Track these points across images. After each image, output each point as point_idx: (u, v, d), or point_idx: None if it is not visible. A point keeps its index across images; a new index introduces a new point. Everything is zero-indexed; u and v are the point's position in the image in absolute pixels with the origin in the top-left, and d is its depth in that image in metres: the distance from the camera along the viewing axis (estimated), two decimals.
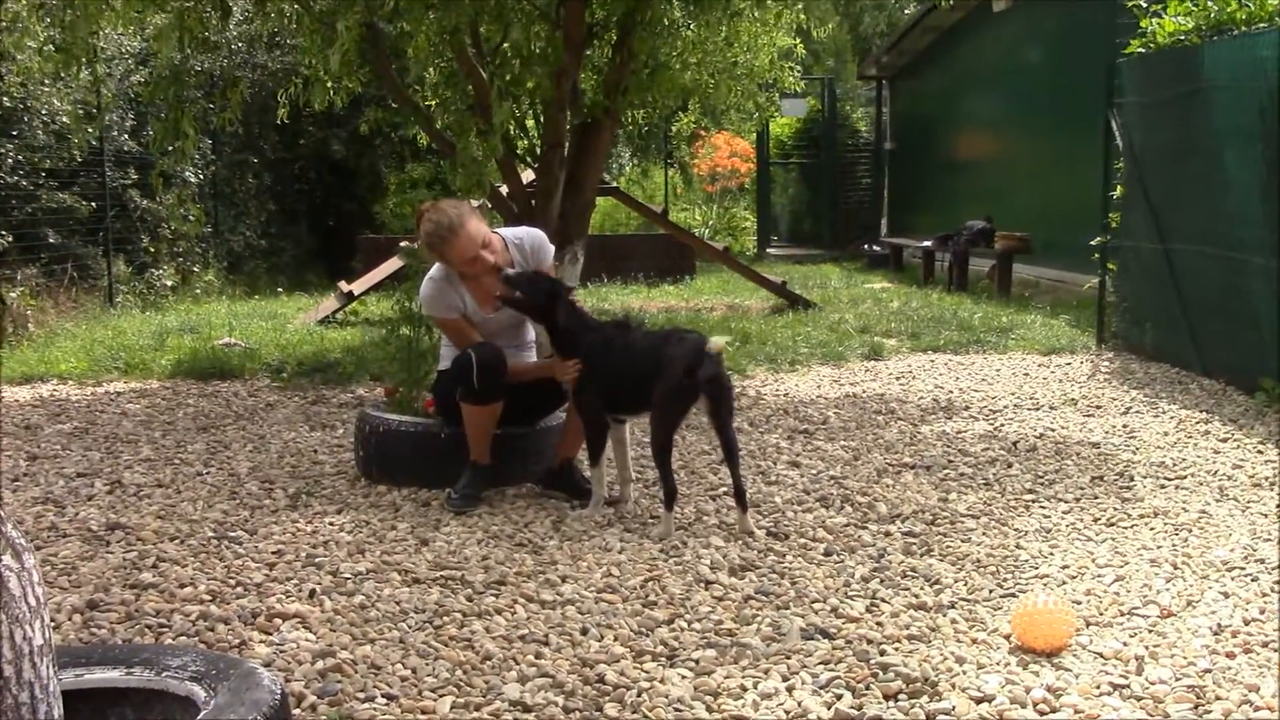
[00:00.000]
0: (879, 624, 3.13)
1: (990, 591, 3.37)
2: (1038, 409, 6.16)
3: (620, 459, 4.34)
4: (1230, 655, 2.88)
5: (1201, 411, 5.97)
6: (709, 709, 2.65)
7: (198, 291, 12.44)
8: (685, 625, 3.13)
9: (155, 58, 8.92)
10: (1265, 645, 2.94)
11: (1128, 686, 2.72)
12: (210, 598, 3.31)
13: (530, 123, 8.65)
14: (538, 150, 8.27)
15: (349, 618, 3.17)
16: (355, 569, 3.56)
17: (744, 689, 2.74)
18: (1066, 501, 4.33)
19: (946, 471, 4.81)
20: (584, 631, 3.08)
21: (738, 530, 3.97)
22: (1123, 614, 3.18)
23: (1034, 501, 4.34)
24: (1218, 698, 2.67)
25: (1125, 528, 4.00)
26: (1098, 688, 2.72)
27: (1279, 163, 5.87)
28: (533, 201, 7.91)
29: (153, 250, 11.98)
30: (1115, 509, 4.22)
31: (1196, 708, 2.63)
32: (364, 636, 3.05)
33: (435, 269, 4.45)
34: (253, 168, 14.31)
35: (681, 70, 8.37)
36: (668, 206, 15.36)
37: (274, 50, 13.34)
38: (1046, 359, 7.86)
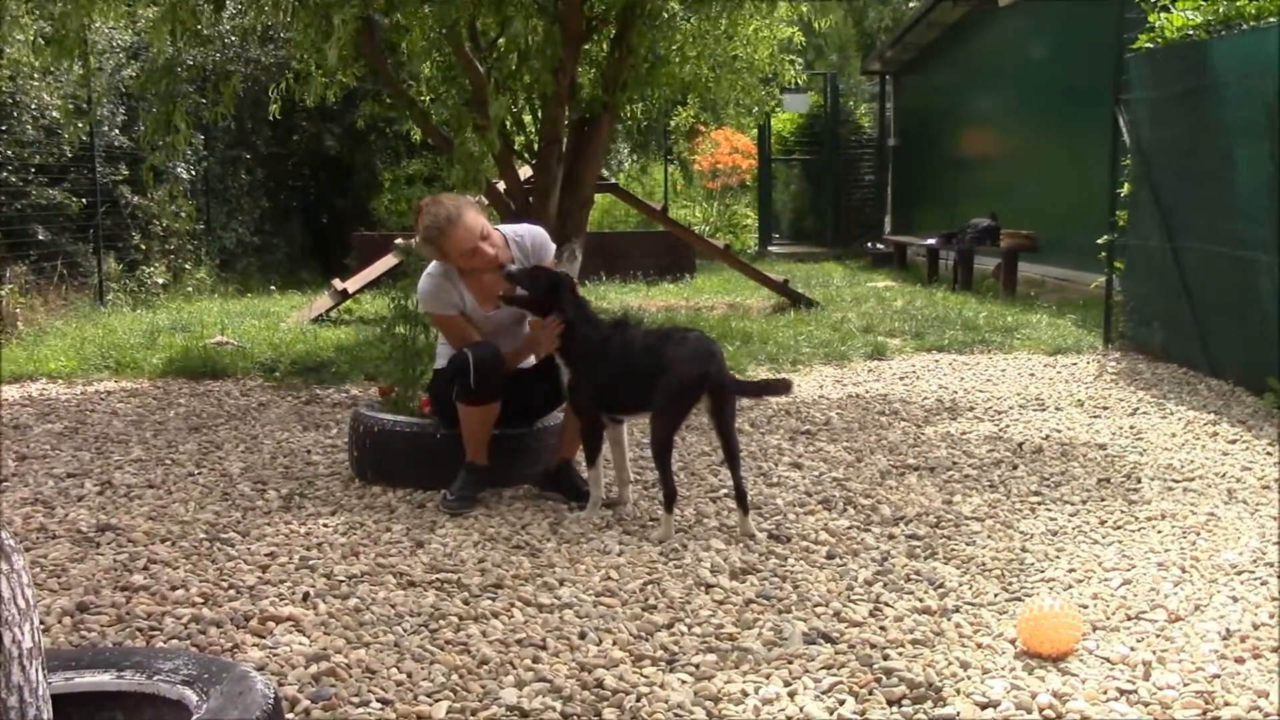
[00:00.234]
0: (882, 628, 3.13)
1: (995, 595, 3.38)
2: (1043, 410, 6.16)
3: (618, 460, 4.34)
4: (1239, 660, 2.88)
5: (1210, 412, 5.97)
6: (709, 714, 2.66)
7: (189, 289, 12.44)
8: (685, 629, 3.13)
9: (147, 51, 8.92)
10: (1275, 650, 2.94)
11: (1135, 692, 2.72)
12: (202, 600, 3.31)
13: (528, 118, 8.65)
14: (535, 146, 8.28)
15: (343, 621, 3.17)
16: (349, 571, 3.56)
17: (745, 694, 2.74)
18: (1073, 504, 4.33)
19: (951, 473, 4.81)
20: (582, 635, 3.08)
21: (739, 533, 3.97)
22: (1130, 618, 3.18)
23: (1040, 504, 4.34)
24: (1226, 703, 2.67)
25: (1132, 530, 4.00)
26: (1104, 693, 2.72)
27: None
28: (530, 198, 7.91)
29: (144, 247, 11.98)
30: (1122, 511, 4.22)
31: (1205, 713, 2.63)
32: (358, 640, 3.05)
33: (433, 265, 4.44)
34: (245, 163, 14.31)
35: (681, 64, 8.37)
36: (667, 203, 15.35)
37: (267, 44, 13.33)
38: (1052, 359, 7.86)
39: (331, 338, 8.75)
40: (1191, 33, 7.18)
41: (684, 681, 2.81)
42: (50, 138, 10.36)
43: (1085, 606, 3.25)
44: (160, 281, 12.07)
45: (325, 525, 4.09)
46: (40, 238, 10.44)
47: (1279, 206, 5.97)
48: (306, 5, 7.00)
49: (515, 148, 8.32)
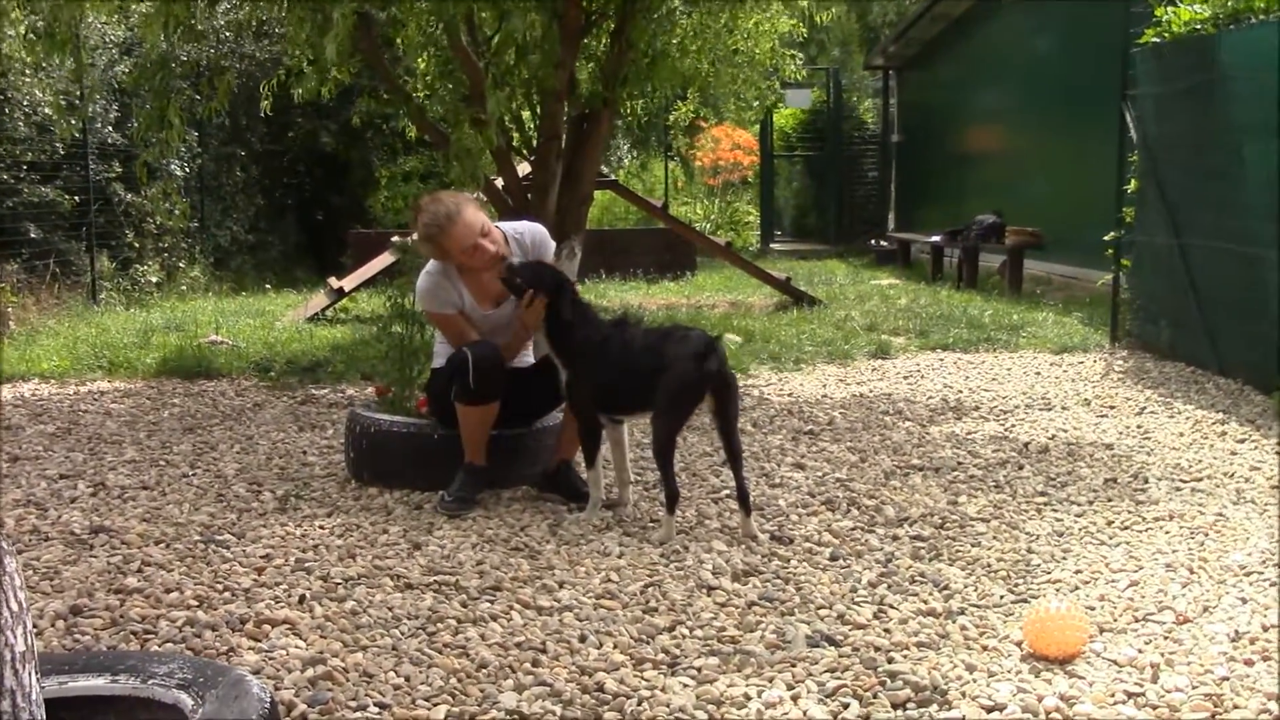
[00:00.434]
0: (886, 631, 3.13)
1: (1001, 597, 3.38)
2: (1050, 409, 6.16)
3: (618, 461, 4.34)
4: (1249, 662, 2.89)
5: (1218, 412, 5.97)
6: (711, 719, 2.66)
7: (183, 288, 12.44)
8: (687, 632, 3.13)
9: (140, 46, 8.93)
10: None
11: (1143, 695, 2.73)
12: (197, 603, 3.32)
13: (526, 114, 8.65)
14: (534, 142, 8.27)
15: (340, 624, 3.17)
16: (346, 574, 3.56)
17: (747, 698, 2.74)
18: (1079, 504, 4.33)
19: (956, 474, 4.81)
20: (582, 639, 3.08)
21: (741, 534, 3.97)
22: (1137, 620, 3.18)
23: (1046, 504, 4.34)
24: (1235, 706, 2.67)
25: (1140, 531, 4.00)
26: (1112, 696, 2.72)
27: None
28: (529, 195, 7.91)
29: (137, 245, 11.98)
30: (1129, 512, 4.22)
31: (1213, 716, 2.63)
32: (355, 643, 3.05)
33: (431, 263, 4.44)
34: (240, 160, 14.31)
35: (681, 58, 8.37)
36: (668, 200, 15.36)
37: (262, 39, 13.34)
38: (1059, 358, 7.86)
39: (327, 337, 8.75)
40: (1199, 27, 7.18)
41: (686, 685, 2.81)
42: (42, 134, 10.36)
43: (1092, 608, 3.26)
44: (154, 280, 12.07)
45: (321, 527, 4.09)
46: (32, 236, 10.44)
47: None
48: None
49: (514, 144, 8.32)
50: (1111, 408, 6.18)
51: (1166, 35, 7.50)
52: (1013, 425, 5.77)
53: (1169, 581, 3.47)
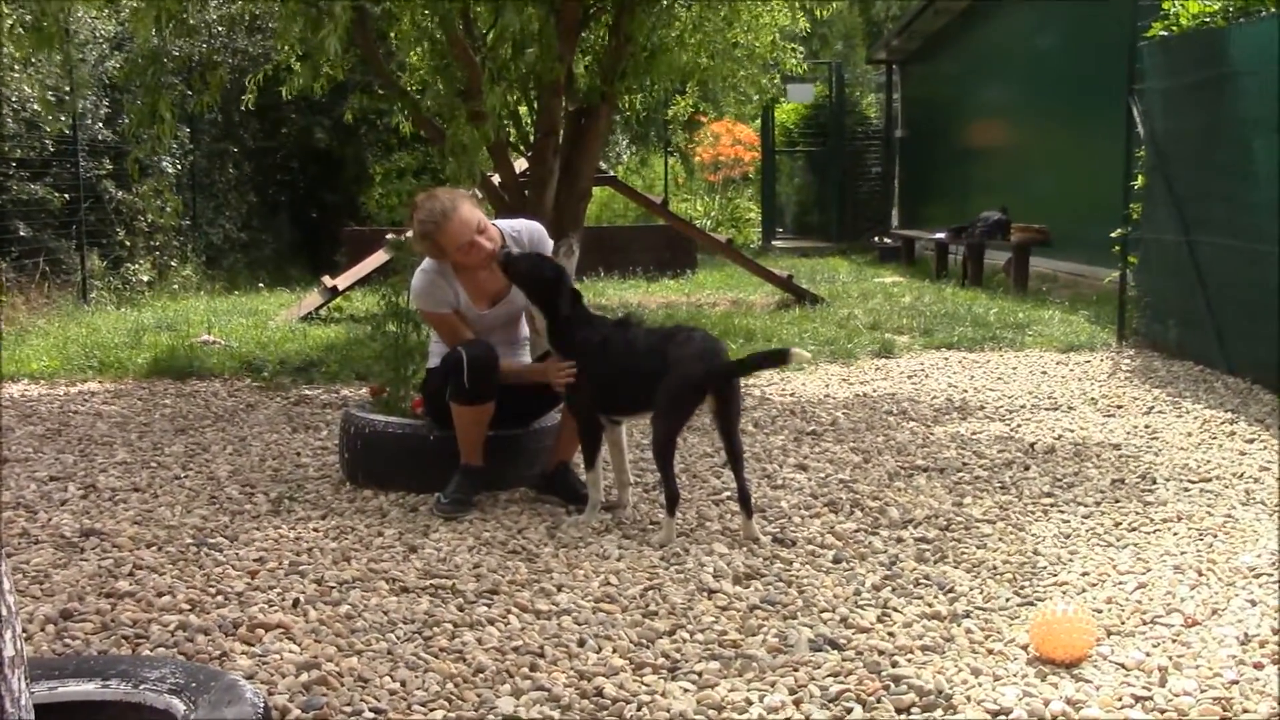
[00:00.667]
0: (891, 634, 3.13)
1: (1007, 600, 3.38)
2: (1056, 409, 6.16)
3: (617, 462, 4.34)
4: (1258, 666, 2.89)
5: (1226, 411, 5.98)
6: None
7: (175, 287, 12.44)
8: (687, 636, 3.13)
9: (131, 41, 8.92)
10: None
11: (1150, 699, 2.73)
12: (189, 607, 3.32)
13: (523, 109, 8.66)
14: (531, 138, 8.28)
15: (334, 628, 3.17)
16: (340, 577, 3.56)
17: (749, 703, 2.74)
18: (1086, 505, 4.34)
19: (961, 475, 4.81)
20: (581, 643, 3.08)
21: (742, 536, 3.97)
22: (1145, 623, 3.19)
23: (1052, 506, 4.35)
24: (1245, 710, 2.67)
25: (1147, 533, 4.00)
26: (1119, 700, 2.72)
27: None
28: (526, 192, 7.91)
29: (128, 244, 11.98)
30: (1137, 513, 4.22)
31: None
32: (350, 648, 3.05)
33: (427, 261, 4.44)
34: (232, 157, 14.31)
35: (680, 52, 8.37)
36: (668, 197, 15.37)
37: (255, 34, 13.35)
38: (1065, 357, 7.86)
39: (321, 336, 8.76)
40: (1208, 20, 7.18)
41: (686, 690, 2.81)
42: (31, 131, 10.37)
43: (1099, 611, 3.26)
44: (145, 279, 12.07)
45: (315, 530, 4.09)
46: (21, 234, 10.44)
47: None
48: None
49: (511, 139, 8.32)
50: (1119, 407, 6.18)
51: (1175, 29, 7.51)
52: (1018, 425, 5.78)
53: (1177, 584, 3.47)
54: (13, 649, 1.88)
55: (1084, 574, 3.58)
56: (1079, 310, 9.81)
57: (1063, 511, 4.27)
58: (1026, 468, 4.91)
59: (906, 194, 19.39)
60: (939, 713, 2.68)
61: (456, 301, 4.42)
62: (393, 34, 7.86)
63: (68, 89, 10.70)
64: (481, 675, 2.89)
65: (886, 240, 17.42)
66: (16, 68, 9.87)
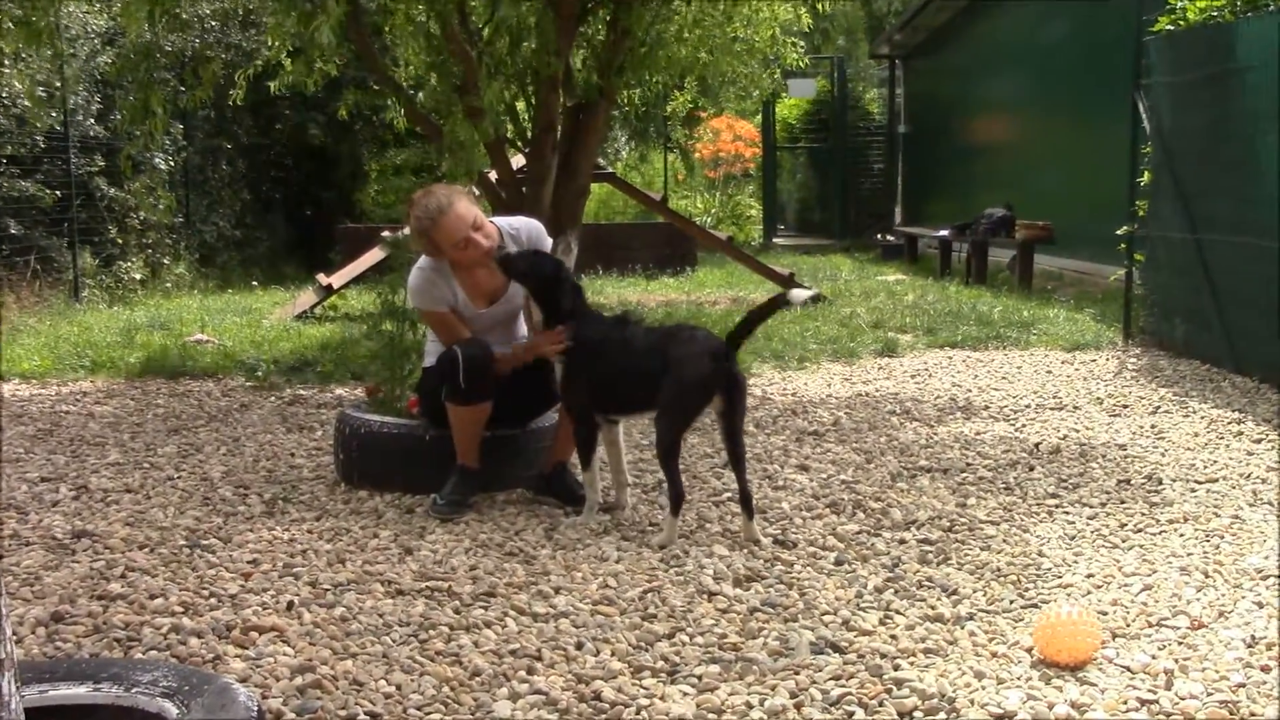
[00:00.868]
0: (893, 637, 3.13)
1: (1011, 602, 3.38)
2: (1061, 409, 6.16)
3: (614, 462, 4.34)
4: (1265, 669, 2.89)
5: (1234, 411, 5.98)
6: None
7: (168, 285, 12.43)
8: (687, 639, 3.13)
9: (123, 36, 8.92)
10: None
11: (1156, 702, 2.73)
12: (182, 609, 3.32)
13: (521, 105, 8.66)
14: (528, 134, 8.28)
15: (329, 631, 3.17)
16: (335, 579, 3.56)
17: (749, 707, 2.74)
18: (1091, 506, 4.34)
19: (965, 475, 4.81)
20: (579, 646, 3.08)
21: (743, 538, 3.97)
22: (1151, 625, 3.19)
23: (1057, 507, 4.35)
24: (1252, 713, 2.67)
25: (1153, 534, 4.01)
26: (1124, 703, 2.73)
27: None
28: (523, 188, 7.91)
29: (120, 241, 11.98)
30: (1143, 514, 4.22)
31: None
32: (345, 651, 3.05)
33: (423, 259, 4.44)
34: (226, 154, 14.31)
35: (679, 46, 8.37)
36: (667, 193, 15.36)
37: (249, 29, 13.34)
38: (1070, 356, 7.86)
39: (316, 335, 8.75)
40: (1215, 14, 7.18)
41: (685, 694, 2.82)
42: (21, 127, 10.36)
43: (1104, 613, 3.26)
44: (138, 277, 12.07)
45: (310, 531, 4.09)
46: (12, 232, 10.43)
47: None
48: None
49: (508, 135, 8.32)
50: (1125, 407, 6.18)
51: (1181, 23, 7.51)
52: (1023, 425, 5.78)
53: (1183, 586, 3.47)
54: (3, 652, 1.88)
55: (1089, 576, 3.58)
56: (1084, 309, 9.81)
57: (1068, 513, 4.27)
58: (1031, 468, 4.91)
59: (909, 191, 19.39)
60: (942, 716, 2.68)
61: (454, 300, 4.42)
62: (387, 28, 7.86)
63: (59, 84, 10.70)
64: (478, 679, 2.89)
65: (889, 237, 17.43)
66: (6, 63, 9.86)
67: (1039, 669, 2.92)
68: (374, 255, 10.08)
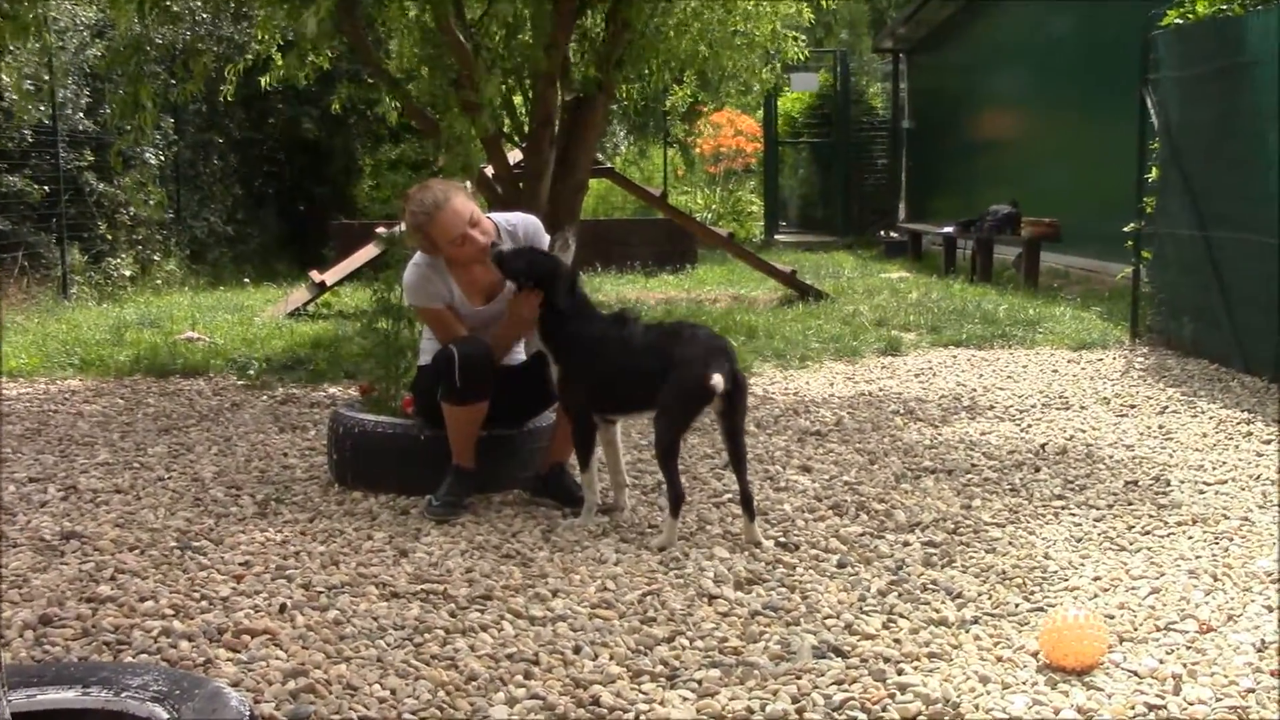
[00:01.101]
0: (896, 641, 3.13)
1: (1016, 605, 3.38)
2: (1067, 409, 6.17)
3: (612, 463, 4.34)
4: (1275, 674, 2.89)
5: (1243, 411, 5.98)
6: None
7: (158, 282, 12.43)
8: (687, 643, 3.13)
9: (112, 29, 8.92)
10: None
11: (1164, 707, 2.73)
12: (173, 612, 3.31)
13: (518, 99, 8.66)
14: (526, 128, 8.27)
15: (322, 634, 3.17)
16: (329, 582, 3.56)
17: (750, 711, 2.74)
18: (1098, 508, 4.34)
19: (969, 476, 4.81)
20: (577, 650, 3.08)
21: (744, 540, 3.97)
22: (1159, 629, 3.19)
23: (1063, 508, 4.35)
24: (1262, 719, 2.67)
25: (1161, 536, 4.01)
26: (1132, 709, 2.73)
27: None
28: (521, 184, 7.91)
29: (110, 237, 11.97)
30: (1150, 516, 4.22)
31: None
32: (339, 654, 3.05)
33: (419, 255, 4.44)
34: (218, 148, 14.30)
35: (678, 40, 8.37)
36: (667, 189, 15.37)
37: (240, 21, 13.34)
38: (1077, 355, 7.87)
39: (309, 333, 8.75)
40: (1225, 8, 7.18)
41: (685, 698, 2.81)
42: (9, 121, 10.35)
43: (1111, 617, 3.26)
44: (127, 274, 12.06)
45: (303, 533, 4.09)
46: (0, 228, 10.43)
47: None
48: None
49: (505, 130, 8.32)
50: (1132, 407, 6.18)
51: (1190, 16, 7.51)
52: (1029, 425, 5.78)
53: (1192, 589, 3.47)
54: None
55: (1096, 579, 3.58)
56: (1091, 307, 9.81)
57: (1074, 514, 4.27)
58: (1037, 469, 4.91)
59: (913, 187, 19.41)
60: None
61: (450, 297, 4.42)
62: (380, 21, 7.86)
63: (47, 77, 10.69)
64: (474, 683, 2.89)
65: (893, 234, 17.42)
66: None
67: (1045, 673, 2.92)
68: (368, 251, 10.09)
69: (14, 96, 9.94)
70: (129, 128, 7.44)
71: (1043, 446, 5.31)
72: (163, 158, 12.82)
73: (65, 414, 6.23)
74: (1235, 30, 7.05)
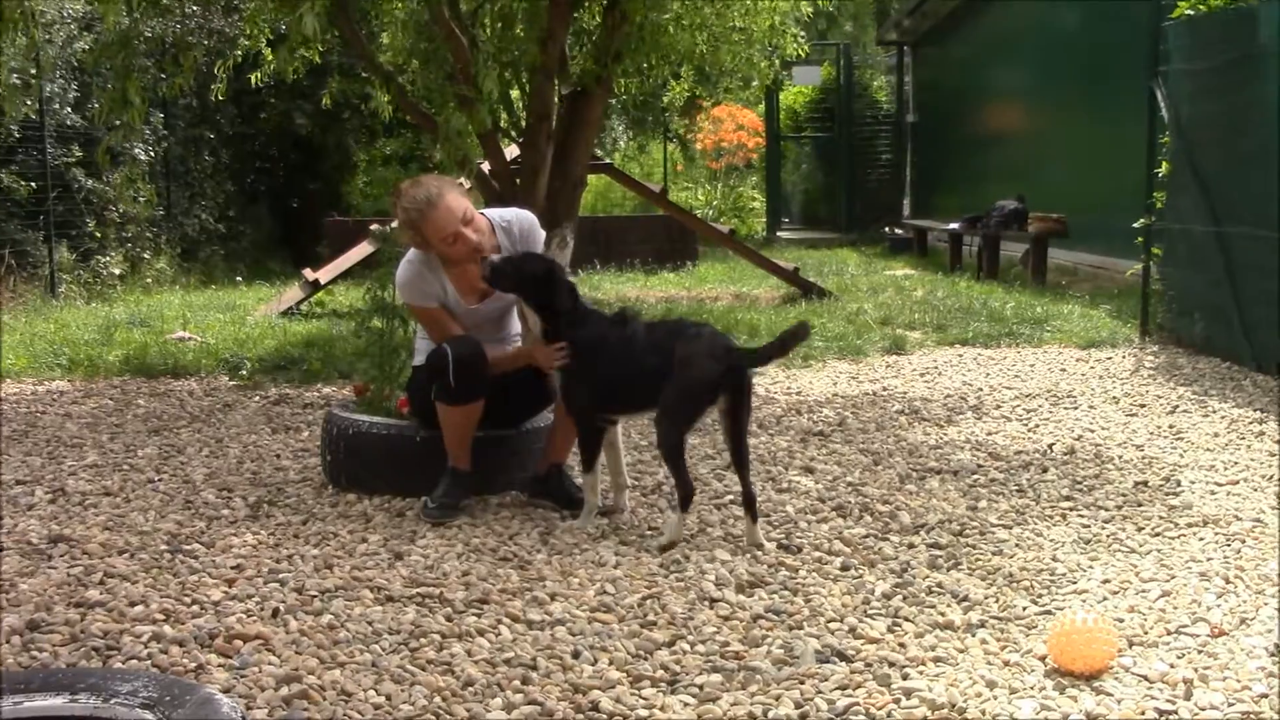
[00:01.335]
0: (901, 645, 3.13)
1: (1024, 609, 3.38)
2: (1076, 408, 6.17)
3: (613, 463, 4.34)
4: None
5: (1255, 410, 5.98)
6: None
7: (148, 280, 12.43)
8: (687, 647, 3.14)
9: (100, 23, 8.91)
10: None
11: (1175, 712, 2.73)
12: (163, 617, 3.32)
13: (515, 94, 8.65)
14: (522, 123, 8.27)
15: (316, 639, 3.17)
16: (323, 586, 3.56)
17: (752, 717, 2.75)
18: (1107, 509, 4.34)
19: (976, 477, 4.82)
20: (576, 654, 3.08)
21: (746, 542, 3.97)
22: (1169, 633, 3.19)
23: (1072, 510, 4.35)
24: None
25: (1172, 538, 4.01)
26: (1142, 714, 2.73)
27: None
28: (517, 180, 7.90)
29: (99, 235, 11.97)
30: (1161, 517, 4.22)
31: None
32: (333, 660, 3.05)
33: (413, 252, 4.44)
34: (209, 144, 14.30)
35: (677, 33, 8.37)
36: (667, 185, 15.37)
37: (232, 14, 13.34)
38: (1085, 353, 7.87)
39: (302, 332, 8.75)
40: None
41: (686, 704, 2.82)
42: None
43: (1121, 620, 3.26)
44: (117, 272, 12.06)
45: (296, 536, 4.09)
46: None
47: None
48: None
49: (501, 125, 8.32)
50: (1142, 406, 6.19)
51: (1202, 7, 7.51)
52: (1036, 425, 5.78)
53: (1203, 591, 3.48)
54: None
55: (1105, 581, 3.59)
56: (1100, 304, 9.81)
57: (1083, 516, 4.27)
58: (1044, 470, 4.92)
59: (919, 182, 19.40)
60: None
61: (444, 295, 4.42)
62: (373, 15, 7.85)
63: (34, 72, 10.68)
64: (471, 688, 2.89)
65: (898, 231, 17.42)
66: None
67: (1053, 678, 2.92)
68: (362, 249, 10.09)
69: (0, 92, 9.94)
70: (118, 123, 7.43)
71: (1050, 447, 5.31)
72: (152, 153, 12.82)
73: (53, 415, 6.23)
74: (1249, 21, 7.05)
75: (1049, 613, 3.33)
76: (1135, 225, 8.34)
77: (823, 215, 21.40)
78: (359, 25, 7.78)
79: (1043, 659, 3.02)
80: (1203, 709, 2.74)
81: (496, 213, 4.60)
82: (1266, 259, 6.77)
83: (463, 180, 7.20)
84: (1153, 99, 8.09)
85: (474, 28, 7.57)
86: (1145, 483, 4.68)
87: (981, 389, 6.72)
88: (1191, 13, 7.60)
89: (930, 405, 6.27)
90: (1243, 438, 5.44)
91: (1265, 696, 2.80)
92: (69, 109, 11.47)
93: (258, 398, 6.69)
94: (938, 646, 3.11)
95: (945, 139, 17.68)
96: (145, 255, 12.72)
